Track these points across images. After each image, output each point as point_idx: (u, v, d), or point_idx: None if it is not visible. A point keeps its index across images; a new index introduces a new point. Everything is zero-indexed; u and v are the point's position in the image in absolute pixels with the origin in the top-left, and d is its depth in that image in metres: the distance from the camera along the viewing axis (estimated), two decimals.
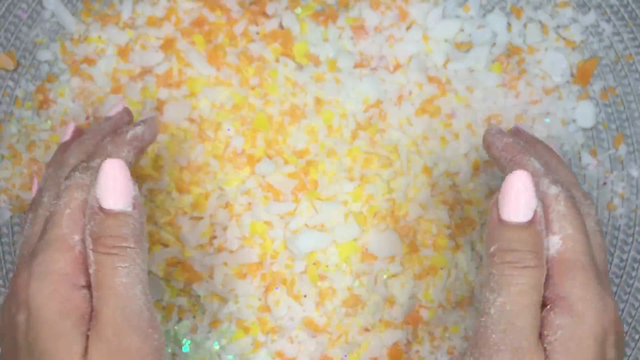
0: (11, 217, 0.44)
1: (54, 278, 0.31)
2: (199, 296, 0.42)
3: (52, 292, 0.31)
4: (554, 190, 0.33)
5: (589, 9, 0.46)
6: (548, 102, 0.45)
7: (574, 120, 0.46)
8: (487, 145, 0.37)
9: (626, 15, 0.46)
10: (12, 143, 0.45)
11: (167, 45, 0.45)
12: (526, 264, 0.31)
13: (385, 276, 0.42)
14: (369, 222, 0.43)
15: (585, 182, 0.45)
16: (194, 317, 0.42)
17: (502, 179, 0.32)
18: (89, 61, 0.45)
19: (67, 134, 0.41)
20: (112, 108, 0.41)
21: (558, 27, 0.46)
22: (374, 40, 0.45)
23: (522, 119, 0.45)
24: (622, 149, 0.45)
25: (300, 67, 0.45)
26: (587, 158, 0.45)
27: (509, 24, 0.46)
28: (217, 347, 0.41)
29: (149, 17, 0.45)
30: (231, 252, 0.42)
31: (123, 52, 0.45)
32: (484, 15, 0.47)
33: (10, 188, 0.44)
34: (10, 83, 0.45)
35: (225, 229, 0.42)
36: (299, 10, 0.46)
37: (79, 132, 0.41)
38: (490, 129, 0.38)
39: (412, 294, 0.42)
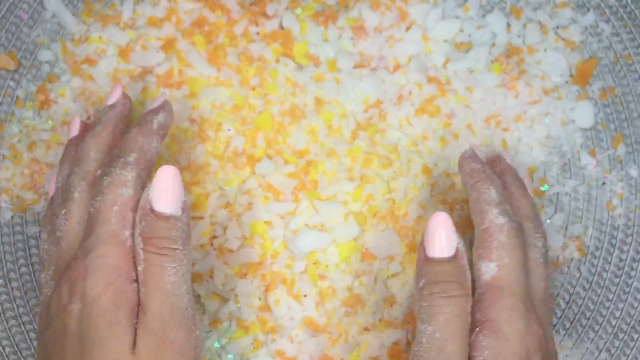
0: (12, 217, 0.44)
1: (108, 271, 0.33)
2: (199, 296, 0.42)
3: (107, 285, 0.32)
4: (500, 220, 0.36)
5: (588, 9, 0.47)
6: (547, 102, 0.45)
7: (573, 121, 0.46)
8: (459, 166, 0.40)
9: (625, 16, 0.46)
10: (13, 143, 0.45)
11: (168, 45, 0.45)
12: (452, 294, 0.34)
13: (385, 276, 0.42)
14: (369, 222, 0.43)
15: (584, 182, 0.45)
16: None
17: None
18: (90, 61, 0.45)
19: (75, 128, 0.42)
20: (111, 95, 0.41)
21: (557, 27, 0.47)
22: (373, 40, 0.45)
23: (521, 119, 0.45)
24: (621, 149, 0.45)
25: (300, 67, 0.45)
26: (586, 158, 0.45)
27: (508, 25, 0.47)
28: (217, 347, 0.42)
29: (149, 17, 0.45)
30: (231, 251, 0.42)
31: (124, 53, 0.45)
32: (484, 15, 0.47)
33: (12, 188, 0.44)
34: (12, 83, 0.46)
35: (225, 228, 0.42)
36: (299, 10, 0.46)
37: (86, 127, 0.42)
38: (465, 152, 0.40)
39: (412, 293, 0.42)
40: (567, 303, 0.44)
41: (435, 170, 0.44)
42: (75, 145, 0.40)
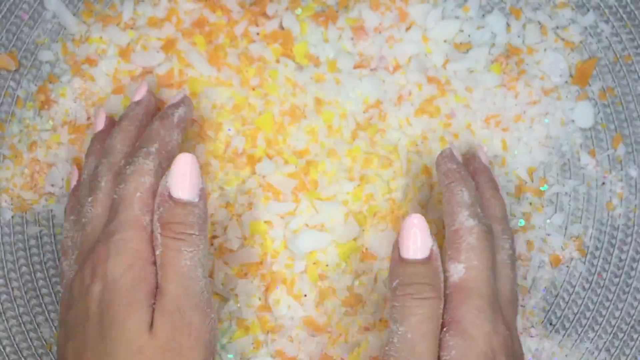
0: (12, 217, 0.45)
1: (130, 254, 0.34)
2: None
3: (128, 267, 0.34)
4: (470, 223, 0.36)
5: (588, 9, 0.47)
6: (547, 103, 0.45)
7: (573, 121, 0.46)
8: (436, 165, 0.40)
9: (625, 16, 0.46)
10: (14, 143, 0.45)
11: (168, 45, 0.45)
12: (424, 295, 0.34)
13: (385, 276, 0.42)
14: (369, 222, 0.43)
15: (584, 182, 0.45)
16: None
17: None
18: (90, 62, 0.45)
19: (100, 123, 0.43)
20: (137, 91, 0.42)
21: (557, 27, 0.47)
22: (373, 41, 0.46)
23: (521, 119, 0.45)
24: (621, 149, 0.45)
25: (300, 67, 0.45)
26: (585, 158, 0.45)
27: (508, 25, 0.47)
28: (217, 346, 0.42)
29: (149, 17, 0.46)
30: (231, 251, 0.42)
31: (124, 53, 0.45)
32: (483, 16, 0.47)
33: (12, 188, 0.44)
34: (12, 83, 0.46)
35: (225, 228, 0.43)
36: (299, 11, 0.46)
37: (111, 121, 0.43)
38: (444, 150, 0.40)
39: None
40: (567, 303, 0.44)
41: (435, 170, 0.44)
42: (101, 140, 0.42)
